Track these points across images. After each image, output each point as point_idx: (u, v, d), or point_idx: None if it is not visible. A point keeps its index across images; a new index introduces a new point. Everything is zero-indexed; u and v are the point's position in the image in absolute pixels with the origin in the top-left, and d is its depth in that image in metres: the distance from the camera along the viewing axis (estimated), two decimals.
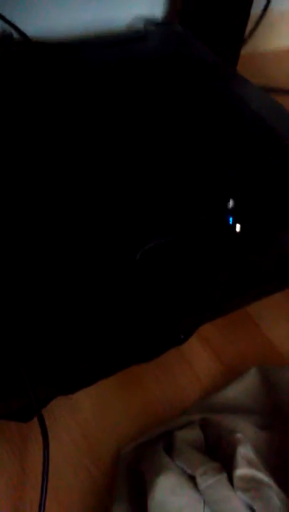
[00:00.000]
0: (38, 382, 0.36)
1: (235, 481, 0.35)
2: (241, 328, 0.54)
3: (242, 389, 0.46)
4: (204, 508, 0.35)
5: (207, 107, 0.55)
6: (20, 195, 0.42)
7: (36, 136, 0.49)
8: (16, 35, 0.71)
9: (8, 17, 0.69)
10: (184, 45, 0.73)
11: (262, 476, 0.36)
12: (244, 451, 0.37)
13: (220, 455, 0.38)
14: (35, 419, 0.43)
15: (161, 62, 0.68)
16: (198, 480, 0.35)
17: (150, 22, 0.80)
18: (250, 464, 0.36)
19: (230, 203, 0.42)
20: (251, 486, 0.35)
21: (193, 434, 0.40)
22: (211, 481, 0.35)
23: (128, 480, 0.40)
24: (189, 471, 0.36)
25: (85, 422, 0.45)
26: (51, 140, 0.49)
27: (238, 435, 0.38)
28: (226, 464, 0.37)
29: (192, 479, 0.36)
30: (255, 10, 0.78)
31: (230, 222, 0.43)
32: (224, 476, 0.36)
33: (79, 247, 0.41)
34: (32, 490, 0.41)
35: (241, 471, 0.36)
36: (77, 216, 0.42)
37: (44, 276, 0.39)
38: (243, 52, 0.81)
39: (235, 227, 0.43)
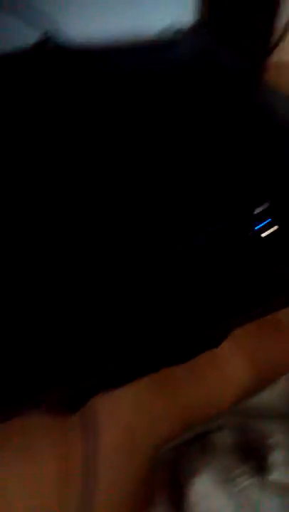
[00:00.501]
0: (85, 374, 0.37)
1: (269, 485, 0.35)
2: (273, 334, 0.54)
3: (276, 395, 0.46)
4: (237, 511, 0.35)
5: (236, 114, 0.55)
6: (65, 198, 0.44)
7: (77, 134, 0.50)
8: (51, 40, 0.73)
9: (41, 23, 0.72)
10: (212, 54, 0.74)
11: None
12: (277, 456, 0.37)
13: (253, 459, 0.38)
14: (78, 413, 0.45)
15: (189, 70, 0.69)
16: (233, 483, 0.36)
17: (179, 31, 0.82)
18: (283, 468, 0.37)
19: (262, 207, 0.42)
20: (285, 490, 0.35)
21: (227, 437, 0.41)
22: (245, 484, 0.36)
23: (167, 477, 0.41)
24: (223, 474, 0.37)
25: (125, 418, 0.46)
26: (91, 140, 0.50)
27: (272, 440, 0.38)
28: (260, 468, 0.37)
29: (226, 482, 0.36)
30: (283, 19, 0.78)
31: (262, 226, 0.43)
32: (258, 479, 0.36)
33: (126, 244, 0.41)
34: (76, 481, 0.42)
35: (275, 475, 0.36)
36: (119, 212, 0.43)
37: (89, 273, 0.40)
38: (271, 61, 0.82)
39: (263, 232, 0.43)
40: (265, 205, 0.43)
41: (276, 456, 0.37)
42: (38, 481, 0.42)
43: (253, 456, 0.38)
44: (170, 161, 0.47)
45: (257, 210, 0.42)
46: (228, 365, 0.51)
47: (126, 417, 0.47)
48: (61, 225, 0.42)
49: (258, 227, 0.42)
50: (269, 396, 0.46)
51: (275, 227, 0.43)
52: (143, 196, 0.44)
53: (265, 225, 0.43)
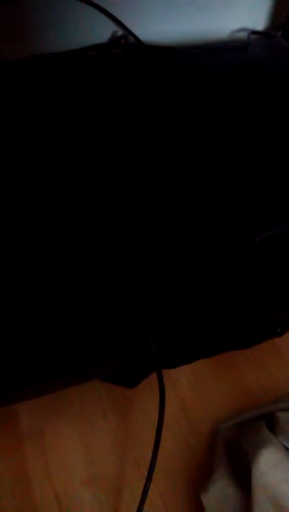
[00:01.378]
0: (144, 349, 0.39)
1: None
2: None
3: None
4: None
5: None
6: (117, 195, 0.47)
7: (149, 126, 0.53)
8: (129, 38, 0.76)
9: (122, 21, 0.75)
10: (286, 57, 0.76)
11: None
12: None
13: None
14: (137, 388, 0.47)
15: (261, 72, 0.71)
16: None
17: (253, 33, 0.84)
18: None
19: None
20: None
21: None
22: None
23: (226, 452, 0.43)
24: None
25: (183, 396, 0.48)
26: (164, 132, 0.53)
27: None
28: None
29: None
30: None
31: None
32: None
33: (205, 226, 0.44)
34: (136, 451, 0.44)
35: None
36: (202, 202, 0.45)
37: (169, 257, 0.42)
38: None
39: None
40: None
41: None
42: (97, 447, 0.45)
43: None
44: (257, 157, 0.50)
45: None
46: None
47: (185, 394, 0.48)
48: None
49: None
50: None
51: None
52: (231, 187, 0.47)
53: None
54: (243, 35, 0.85)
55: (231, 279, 0.42)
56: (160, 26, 0.80)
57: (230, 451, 0.43)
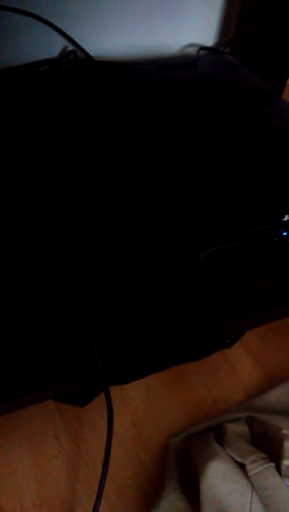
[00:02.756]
0: (94, 368, 0.39)
1: (284, 470, 0.38)
2: (281, 337, 0.57)
3: (284, 393, 0.49)
4: (253, 493, 0.38)
5: (258, 131, 0.59)
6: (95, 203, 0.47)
7: (96, 145, 0.53)
8: (78, 53, 0.76)
9: (72, 37, 0.75)
10: (234, 72, 0.78)
11: None
12: None
13: (266, 448, 0.41)
14: (88, 406, 0.47)
15: (211, 88, 0.72)
16: (248, 467, 0.38)
17: (202, 49, 0.86)
18: None
19: (286, 217, 0.45)
20: None
21: (241, 428, 0.43)
22: (261, 469, 0.38)
23: (177, 465, 0.43)
24: (239, 459, 0.39)
25: (135, 411, 0.49)
26: (112, 148, 0.53)
27: (284, 431, 0.41)
28: (273, 456, 0.40)
29: (241, 467, 0.39)
30: None
31: (284, 235, 0.46)
32: (272, 465, 0.38)
33: (150, 242, 0.45)
34: (87, 469, 0.44)
35: (288, 461, 0.38)
36: (149, 216, 0.46)
37: (114, 274, 0.43)
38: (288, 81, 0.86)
39: (287, 240, 0.46)
40: (287, 217, 0.46)
41: None
42: (48, 468, 0.44)
43: (267, 446, 0.41)
44: (202, 174, 0.51)
45: (285, 218, 0.45)
46: (239, 366, 0.54)
47: (136, 411, 0.49)
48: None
49: (285, 234, 0.45)
50: (278, 395, 0.49)
51: None
52: (182, 203, 0.48)
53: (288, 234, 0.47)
54: (193, 50, 0.87)
55: (176, 295, 0.43)
56: (110, 41, 0.81)
57: (181, 465, 0.44)
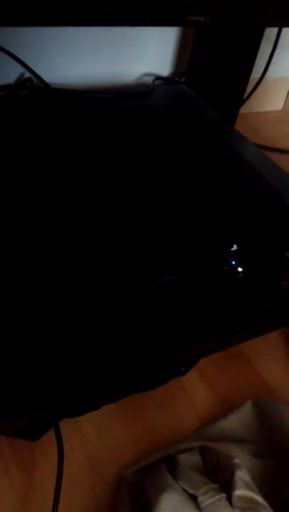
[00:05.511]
0: (47, 402, 0.39)
1: (234, 500, 0.38)
2: (236, 363, 0.58)
3: (238, 420, 0.50)
4: None
5: (209, 161, 0.61)
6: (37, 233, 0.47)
7: (50, 174, 0.54)
8: (35, 80, 0.77)
9: (29, 64, 0.76)
10: (188, 103, 0.80)
11: (258, 498, 0.39)
12: (242, 475, 0.40)
13: (218, 478, 0.41)
14: (41, 440, 0.46)
15: (164, 117, 0.74)
16: (200, 499, 0.38)
17: (158, 79, 0.88)
18: (247, 486, 0.39)
19: (234, 247, 0.47)
20: (249, 506, 0.38)
21: (194, 458, 0.43)
22: (212, 500, 0.38)
23: (131, 498, 0.43)
24: (191, 491, 0.39)
25: (89, 444, 0.48)
26: (64, 178, 0.54)
27: (236, 460, 0.41)
28: (225, 486, 0.40)
29: (193, 498, 0.39)
30: (254, 75, 0.86)
31: (233, 264, 0.47)
32: (224, 496, 0.39)
33: (97, 275, 0.45)
34: (39, 505, 0.43)
35: (240, 492, 0.39)
36: (96, 246, 0.46)
37: (62, 304, 0.43)
38: (241, 111, 0.89)
39: (237, 269, 0.47)
40: (236, 247, 0.48)
41: (241, 474, 0.40)
42: None
43: (219, 476, 0.41)
44: (156, 204, 0.52)
45: (232, 249, 0.46)
46: (194, 393, 0.54)
47: (90, 443, 0.48)
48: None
49: (233, 263, 0.47)
50: (231, 422, 0.50)
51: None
52: (131, 235, 0.48)
53: (237, 263, 0.48)
54: (149, 79, 0.89)
55: (128, 327, 0.43)
56: (67, 69, 0.82)
57: (135, 498, 0.43)
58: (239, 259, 0.48)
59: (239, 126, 0.88)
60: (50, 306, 0.42)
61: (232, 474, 0.40)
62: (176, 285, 0.45)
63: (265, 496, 0.41)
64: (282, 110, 1.05)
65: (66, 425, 0.48)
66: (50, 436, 0.47)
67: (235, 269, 0.47)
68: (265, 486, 0.43)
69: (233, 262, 0.48)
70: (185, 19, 0.21)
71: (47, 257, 0.45)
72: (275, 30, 0.85)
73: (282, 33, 0.86)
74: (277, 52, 0.89)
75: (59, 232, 0.47)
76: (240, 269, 0.48)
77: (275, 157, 0.81)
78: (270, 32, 0.86)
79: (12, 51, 0.74)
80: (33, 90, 0.76)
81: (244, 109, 0.95)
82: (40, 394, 0.38)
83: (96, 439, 0.48)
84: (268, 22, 0.30)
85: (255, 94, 0.92)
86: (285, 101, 1.05)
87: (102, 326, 0.43)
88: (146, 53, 0.88)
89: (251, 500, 0.38)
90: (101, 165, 0.57)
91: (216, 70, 0.83)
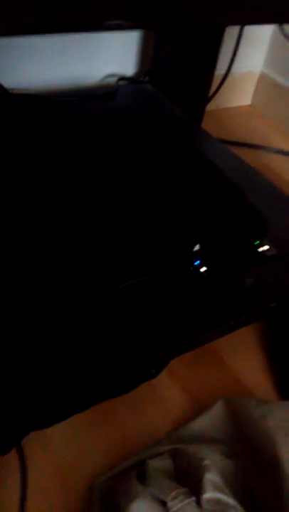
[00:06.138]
0: (13, 416, 0.38)
1: (203, 503, 0.38)
2: (208, 362, 0.57)
3: (209, 420, 0.49)
4: None
5: (173, 161, 0.60)
6: None
7: (8, 184, 0.53)
8: None
9: None
10: (152, 102, 0.80)
11: (228, 499, 0.39)
12: (211, 477, 0.39)
13: (189, 481, 0.41)
14: (11, 454, 0.45)
15: (130, 118, 0.73)
16: (169, 504, 0.38)
17: (122, 79, 0.87)
18: (216, 488, 0.39)
19: (197, 247, 0.46)
20: (218, 508, 0.38)
21: (164, 462, 0.43)
22: (181, 505, 0.38)
23: (102, 508, 0.42)
24: (160, 497, 0.39)
25: (59, 454, 0.47)
26: (23, 186, 0.53)
27: (206, 462, 0.41)
28: (195, 489, 0.39)
29: (163, 504, 0.38)
30: (219, 71, 0.86)
31: (196, 264, 0.47)
32: (193, 499, 0.38)
33: (57, 283, 0.44)
34: None
35: (208, 494, 0.38)
36: (55, 253, 0.45)
37: (21, 311, 0.42)
38: (207, 108, 0.89)
39: (200, 269, 0.47)
40: (198, 246, 0.47)
41: (210, 476, 0.39)
42: None
43: (189, 479, 0.41)
44: (113, 207, 0.51)
45: (195, 248, 0.46)
46: (166, 395, 0.54)
47: (60, 454, 0.47)
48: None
49: (196, 263, 0.46)
50: (202, 423, 0.49)
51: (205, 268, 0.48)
52: (88, 238, 0.47)
53: (201, 263, 0.47)
54: (113, 80, 0.88)
55: (92, 334, 0.43)
56: (27, 73, 0.81)
57: (106, 506, 0.42)
58: (203, 258, 0.47)
59: (208, 123, 0.88)
60: (8, 315, 0.41)
61: (201, 477, 0.39)
62: (140, 288, 0.45)
63: (238, 495, 0.41)
64: (250, 105, 1.05)
65: (35, 437, 0.47)
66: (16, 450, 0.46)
67: (198, 269, 0.47)
68: (238, 484, 0.43)
69: (197, 262, 0.47)
70: (102, 24, 0.20)
71: (4, 264, 0.44)
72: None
73: (246, 27, 0.86)
74: (243, 47, 0.89)
75: (16, 238, 0.46)
76: (203, 269, 0.47)
77: (243, 152, 0.81)
78: (234, 27, 0.86)
79: None
80: None
81: (212, 106, 0.95)
82: None
83: (66, 449, 0.48)
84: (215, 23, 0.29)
85: (222, 90, 0.92)
86: (253, 96, 1.05)
87: (64, 334, 0.43)
88: (109, 54, 0.87)
89: (220, 502, 0.38)
90: (65, 168, 0.56)
91: (179, 68, 0.83)
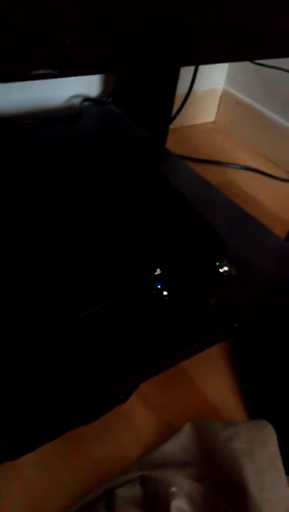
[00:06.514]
0: None
1: None
2: (178, 383, 0.57)
3: (178, 444, 0.49)
4: None
5: (134, 184, 0.61)
6: None
7: None
8: None
9: None
10: (116, 123, 0.81)
11: None
12: (178, 504, 0.40)
13: (157, 509, 0.41)
14: None
15: (94, 140, 0.74)
16: None
17: (86, 100, 0.88)
18: None
19: (158, 271, 0.47)
20: None
21: (133, 491, 0.43)
22: None
23: None
24: None
25: (28, 485, 0.46)
26: None
27: (173, 489, 0.41)
28: None
29: None
30: (182, 90, 0.87)
31: (158, 288, 0.47)
32: None
33: (20, 316, 0.44)
34: None
35: None
36: (16, 284, 0.45)
37: None
38: (171, 126, 0.90)
39: (162, 292, 0.47)
40: (159, 270, 0.48)
41: (177, 503, 0.39)
42: None
43: (158, 506, 0.41)
44: (74, 232, 0.51)
45: (156, 273, 0.46)
46: (136, 419, 0.53)
47: (30, 485, 0.47)
48: None
49: (158, 287, 0.46)
50: (172, 446, 0.49)
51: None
52: (46, 265, 0.47)
53: (162, 287, 0.48)
54: (77, 101, 0.89)
55: (56, 364, 0.42)
56: None
57: None
58: (164, 282, 0.48)
59: (172, 140, 0.89)
60: None
61: (168, 504, 0.39)
62: (103, 314, 0.45)
63: None
64: (214, 121, 1.07)
65: (4, 469, 0.46)
66: None
67: (160, 293, 0.47)
68: (206, 508, 0.43)
69: (159, 286, 0.48)
70: (30, 73, 0.21)
71: None
72: None
73: None
74: (204, 66, 0.91)
75: None
76: (165, 293, 0.48)
77: (208, 168, 0.82)
78: None
79: None
80: None
81: (176, 124, 0.96)
82: None
83: (36, 480, 0.47)
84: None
85: (186, 107, 0.93)
86: (217, 112, 1.07)
87: (32, 364, 0.42)
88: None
89: None
90: (26, 193, 0.56)
91: (140, 89, 0.84)
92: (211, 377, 0.59)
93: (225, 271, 0.51)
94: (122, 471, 0.48)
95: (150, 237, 0.51)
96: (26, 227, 0.51)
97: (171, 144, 0.87)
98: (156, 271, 0.47)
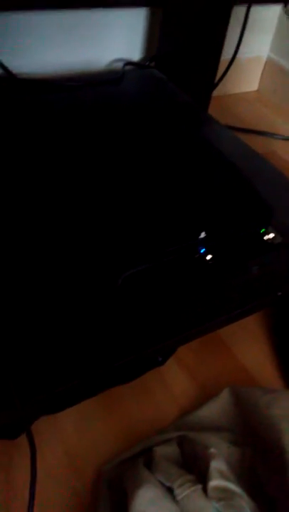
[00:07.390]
0: (24, 400, 0.38)
1: (210, 491, 0.38)
2: (215, 350, 0.57)
3: (216, 408, 0.49)
4: None
5: (179, 147, 0.60)
6: None
7: (17, 168, 0.52)
8: (1, 71, 0.75)
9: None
10: (159, 87, 0.79)
11: (234, 487, 0.39)
12: (217, 465, 0.40)
13: (195, 469, 0.41)
14: (20, 438, 0.46)
15: (136, 103, 0.73)
16: (176, 491, 0.38)
17: (128, 64, 0.86)
18: (222, 476, 0.39)
19: (202, 235, 0.46)
20: (224, 496, 0.38)
21: (171, 449, 0.43)
22: (187, 492, 0.38)
23: (110, 495, 0.42)
24: (167, 484, 0.39)
25: (68, 440, 0.48)
26: (33, 170, 0.53)
27: (212, 450, 0.41)
28: (201, 477, 0.40)
29: (170, 491, 0.39)
30: (226, 56, 0.85)
31: (202, 252, 0.47)
32: (199, 487, 0.38)
33: (63, 272, 0.44)
34: (17, 504, 0.43)
35: (215, 482, 0.39)
36: (62, 241, 0.45)
37: (30, 300, 0.42)
38: (214, 94, 0.88)
39: (206, 257, 0.47)
40: (204, 234, 0.47)
41: (216, 464, 0.39)
42: None
43: (196, 466, 0.41)
44: (118, 195, 0.51)
45: (200, 236, 0.46)
46: (173, 382, 0.54)
47: (68, 439, 0.48)
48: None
49: (202, 250, 0.46)
50: (209, 410, 0.49)
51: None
52: (95, 225, 0.47)
53: (207, 251, 0.47)
54: (119, 65, 0.87)
55: (98, 322, 0.43)
56: (34, 58, 0.80)
57: (114, 492, 0.43)
58: (208, 246, 0.47)
59: (215, 109, 0.87)
60: (15, 304, 0.41)
61: (207, 465, 0.39)
62: (145, 276, 0.45)
63: (243, 482, 0.41)
64: (257, 90, 1.04)
65: (44, 422, 0.47)
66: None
67: (204, 257, 0.47)
68: (244, 472, 0.43)
69: (203, 250, 0.47)
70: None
71: (6, 254, 0.44)
72: (244, 9, 0.83)
73: (252, 12, 0.85)
74: (249, 33, 0.88)
75: (18, 230, 0.46)
76: (209, 257, 0.47)
77: (250, 138, 0.80)
78: (240, 12, 0.84)
79: None
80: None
81: (219, 92, 0.94)
82: (8, 395, 0.37)
83: (74, 435, 0.48)
84: None
85: (228, 75, 0.91)
86: (260, 81, 1.04)
87: (73, 322, 0.43)
88: (115, 39, 0.86)
89: (226, 490, 0.38)
90: (70, 156, 0.56)
91: (184, 53, 0.82)
92: (248, 345, 0.59)
93: (270, 238, 0.50)
94: (159, 432, 0.49)
95: (195, 200, 0.50)
96: (73, 188, 0.51)
97: (213, 113, 0.85)
98: (201, 234, 0.46)
